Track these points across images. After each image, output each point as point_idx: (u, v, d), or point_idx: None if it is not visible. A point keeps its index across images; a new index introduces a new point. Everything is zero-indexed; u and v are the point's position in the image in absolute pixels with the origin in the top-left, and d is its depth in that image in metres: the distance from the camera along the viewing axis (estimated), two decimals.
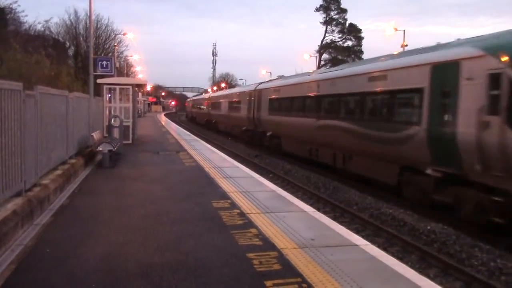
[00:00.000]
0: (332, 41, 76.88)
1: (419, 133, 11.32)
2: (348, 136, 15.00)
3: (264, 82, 30.36)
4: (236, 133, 34.58)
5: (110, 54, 40.35)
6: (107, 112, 18.90)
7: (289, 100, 21.77)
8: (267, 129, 25.35)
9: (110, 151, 12.55)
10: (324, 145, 17.51)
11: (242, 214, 7.13)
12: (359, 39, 76.00)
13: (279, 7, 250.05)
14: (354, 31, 75.48)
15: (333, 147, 16.65)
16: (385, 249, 8.43)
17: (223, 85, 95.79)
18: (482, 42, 10.04)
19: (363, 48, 76.01)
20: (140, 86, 28.70)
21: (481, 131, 9.35)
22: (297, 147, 20.94)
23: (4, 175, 5.96)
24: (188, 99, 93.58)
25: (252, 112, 28.26)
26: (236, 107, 34.09)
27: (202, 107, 57.41)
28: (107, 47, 45.48)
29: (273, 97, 24.35)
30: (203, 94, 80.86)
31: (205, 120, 52.33)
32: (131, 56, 56.68)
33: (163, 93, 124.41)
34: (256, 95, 27.79)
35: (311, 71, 26.00)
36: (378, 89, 13.54)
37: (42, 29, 36.79)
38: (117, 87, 19.54)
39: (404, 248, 9.23)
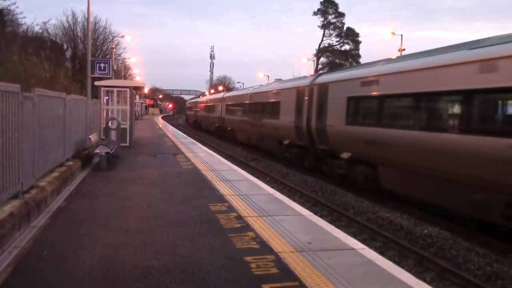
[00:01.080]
0: (330, 45, 77.29)
1: None
2: None
3: (328, 72, 19.82)
4: (269, 147, 24.68)
5: (108, 56, 40.36)
6: (105, 115, 18.90)
7: (427, 100, 11.21)
8: (341, 147, 15.47)
9: (107, 153, 12.55)
10: None
11: (239, 217, 7.13)
12: (357, 43, 76.44)
13: (277, 11, 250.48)
14: (351, 35, 75.88)
15: None
16: (382, 253, 8.44)
17: (220, 87, 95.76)
18: None
19: (361, 52, 76.57)
20: (138, 88, 28.66)
21: None
22: (434, 189, 11.01)
23: (1, 177, 5.95)
24: (190, 100, 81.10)
25: (304, 118, 18.65)
26: (270, 111, 23.77)
27: (211, 110, 45.75)
28: (104, 49, 45.56)
29: (359, 94, 14.33)
30: (200, 97, 78.63)
31: (216, 126, 41.43)
32: (128, 58, 56.81)
33: (160, 96, 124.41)
34: (314, 93, 17.89)
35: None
36: None
37: (40, 31, 36.82)
38: (115, 89, 19.52)
39: (401, 252, 9.24)
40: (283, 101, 21.76)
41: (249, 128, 28.40)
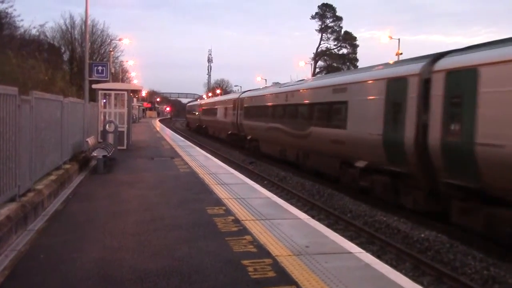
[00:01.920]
0: (327, 49, 77.55)
1: None
2: None
3: (459, 51, 10.71)
4: (321, 167, 17.69)
5: (106, 59, 40.31)
6: (102, 118, 18.89)
7: None
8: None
9: (104, 156, 12.53)
10: None
11: (236, 221, 7.12)
12: (354, 46, 76.74)
13: (274, 15, 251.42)
14: (349, 39, 76.19)
15: None
16: (379, 256, 8.45)
17: (218, 91, 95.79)
18: None
19: (358, 56, 76.86)
20: (135, 91, 28.66)
21: None
22: None
23: None
24: (192, 103, 72.68)
25: (409, 128, 11.59)
26: (326, 116, 16.71)
27: (221, 113, 37.68)
28: (102, 52, 45.45)
29: None
30: (198, 100, 78.10)
31: (229, 133, 34.61)
32: (126, 61, 56.80)
33: (158, 99, 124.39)
34: (435, 86, 10.74)
35: None
36: None
37: (37, 33, 36.75)
38: (112, 92, 19.54)
39: (398, 256, 9.25)
40: (355, 100, 14.51)
41: (284, 138, 21.22)
